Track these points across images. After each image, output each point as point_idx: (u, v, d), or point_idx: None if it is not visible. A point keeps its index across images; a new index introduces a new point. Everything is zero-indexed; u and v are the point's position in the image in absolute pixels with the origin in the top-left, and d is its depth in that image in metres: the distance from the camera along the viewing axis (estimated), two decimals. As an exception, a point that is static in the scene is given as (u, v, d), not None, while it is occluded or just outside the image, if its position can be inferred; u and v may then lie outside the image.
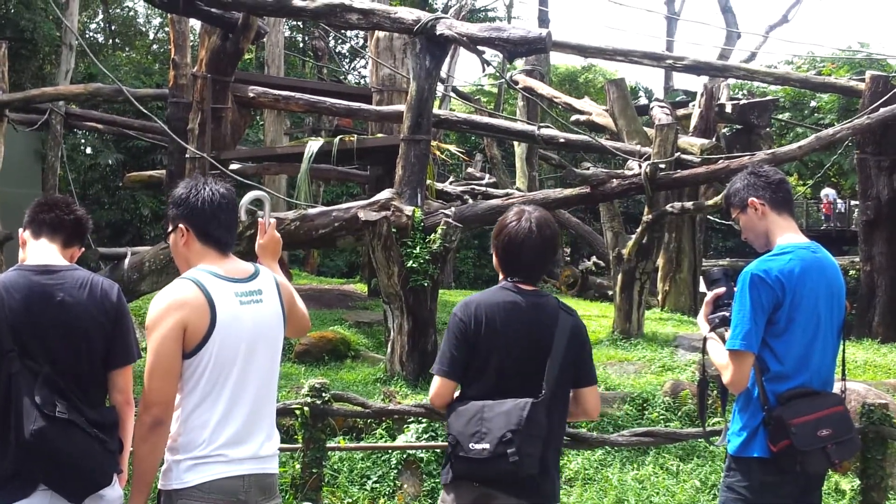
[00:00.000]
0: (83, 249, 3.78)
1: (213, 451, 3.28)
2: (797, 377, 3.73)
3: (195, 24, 18.36)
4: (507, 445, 3.33)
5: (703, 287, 14.78)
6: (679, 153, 12.51)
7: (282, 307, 3.55)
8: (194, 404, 3.31)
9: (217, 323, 3.28)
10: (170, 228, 3.54)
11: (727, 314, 3.82)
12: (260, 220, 3.75)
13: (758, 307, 3.67)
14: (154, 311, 3.28)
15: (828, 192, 30.25)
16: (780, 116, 27.37)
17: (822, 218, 30.37)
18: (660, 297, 15.41)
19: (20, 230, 3.69)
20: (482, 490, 3.45)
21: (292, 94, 15.22)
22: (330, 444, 6.90)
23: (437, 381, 3.60)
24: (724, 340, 3.81)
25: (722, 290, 3.96)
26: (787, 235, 3.87)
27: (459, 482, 3.50)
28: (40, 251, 3.57)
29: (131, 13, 33.66)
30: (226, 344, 3.31)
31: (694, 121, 16.10)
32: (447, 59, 18.84)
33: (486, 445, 3.36)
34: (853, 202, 26.79)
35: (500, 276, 3.71)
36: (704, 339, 3.95)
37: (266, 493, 3.42)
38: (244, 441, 3.35)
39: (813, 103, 30.12)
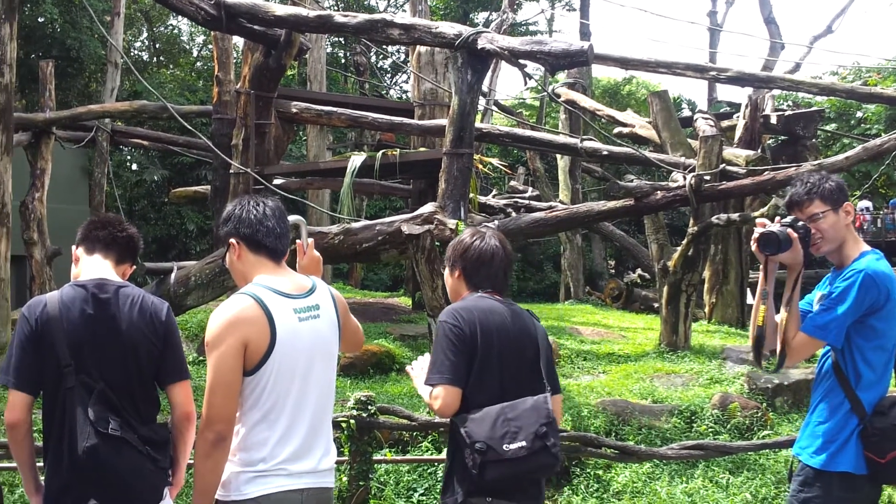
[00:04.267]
0: (134, 267, 3.82)
1: (275, 465, 3.28)
2: (882, 384, 3.66)
3: (238, 41, 18.57)
4: (544, 438, 3.35)
5: (749, 299, 14.63)
6: (724, 165, 12.41)
7: (338, 321, 3.57)
8: (255, 421, 3.31)
9: (277, 340, 3.28)
10: (225, 249, 3.58)
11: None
12: (298, 242, 3.80)
13: (857, 306, 3.58)
14: (214, 328, 3.26)
15: (864, 205, 29.56)
16: (826, 127, 27.02)
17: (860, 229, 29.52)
18: (706, 310, 15.25)
19: (73, 247, 3.73)
20: (496, 502, 3.44)
21: (335, 109, 15.31)
22: (376, 456, 6.90)
23: (442, 391, 3.54)
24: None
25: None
26: (861, 243, 3.80)
27: (470, 501, 3.46)
28: (94, 267, 3.61)
29: (175, 31, 34.01)
30: (285, 361, 3.31)
31: (739, 132, 15.92)
32: (489, 73, 18.87)
33: (522, 443, 3.34)
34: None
35: (464, 292, 3.72)
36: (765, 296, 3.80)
37: None
38: (304, 457, 3.36)
39: (859, 114, 29.67)
